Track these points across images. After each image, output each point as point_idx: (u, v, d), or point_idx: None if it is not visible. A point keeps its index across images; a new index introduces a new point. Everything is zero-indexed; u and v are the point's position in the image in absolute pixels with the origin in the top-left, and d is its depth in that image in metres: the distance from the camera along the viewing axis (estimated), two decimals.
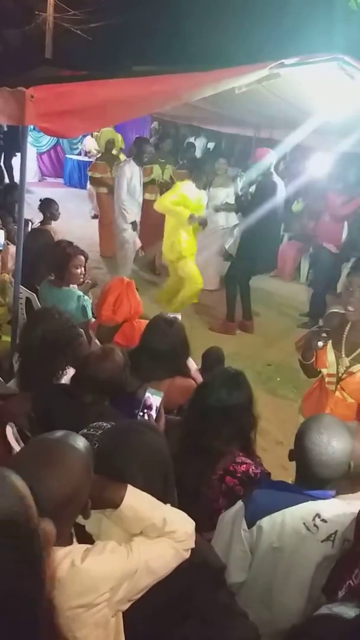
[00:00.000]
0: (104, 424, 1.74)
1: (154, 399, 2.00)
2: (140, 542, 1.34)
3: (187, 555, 1.40)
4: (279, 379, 5.00)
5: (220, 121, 7.87)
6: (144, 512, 1.35)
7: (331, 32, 7.24)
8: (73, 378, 2.27)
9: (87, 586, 1.20)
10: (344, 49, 3.79)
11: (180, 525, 1.40)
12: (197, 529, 1.81)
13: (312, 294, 6.52)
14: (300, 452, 1.74)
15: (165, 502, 1.45)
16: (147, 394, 1.99)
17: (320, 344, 2.53)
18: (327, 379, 2.69)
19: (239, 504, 1.79)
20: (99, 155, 8.72)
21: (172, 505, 1.51)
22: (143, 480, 1.40)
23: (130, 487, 1.37)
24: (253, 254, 5.65)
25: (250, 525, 1.72)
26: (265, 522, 1.71)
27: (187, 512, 1.78)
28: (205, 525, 1.86)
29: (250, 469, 2.02)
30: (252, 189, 5.72)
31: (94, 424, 1.75)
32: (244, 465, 2.03)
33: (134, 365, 2.51)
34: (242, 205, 5.85)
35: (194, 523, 1.43)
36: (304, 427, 1.77)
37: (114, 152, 8.32)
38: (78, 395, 2.18)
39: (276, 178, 5.65)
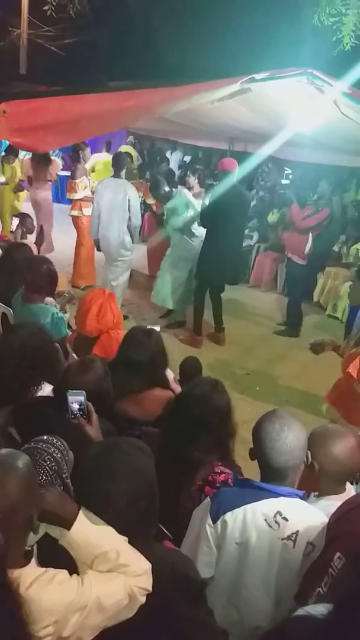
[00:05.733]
0: (54, 439, 1.71)
1: (76, 399, 1.97)
2: (93, 576, 1.27)
3: (142, 599, 1.31)
4: (258, 387, 5.03)
5: (195, 135, 7.98)
6: (96, 539, 1.29)
7: (300, 48, 7.43)
8: (55, 391, 2.25)
9: (29, 616, 1.13)
10: (312, 63, 3.90)
11: (135, 560, 1.32)
12: (177, 541, 1.81)
13: (287, 303, 6.60)
14: (256, 445, 1.80)
15: (147, 523, 1.44)
16: (68, 397, 1.95)
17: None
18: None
19: (207, 500, 1.83)
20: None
21: (154, 524, 1.49)
22: (126, 502, 1.37)
23: (83, 512, 1.32)
24: (211, 266, 5.53)
25: (214, 520, 1.76)
26: (228, 517, 1.75)
27: (167, 524, 1.78)
28: (184, 537, 1.86)
29: (229, 479, 2.02)
30: (210, 201, 5.51)
31: (45, 438, 1.71)
32: (223, 475, 2.04)
33: (112, 377, 2.50)
34: (201, 217, 5.60)
35: (149, 564, 1.34)
36: (259, 421, 1.84)
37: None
38: (59, 407, 2.15)
39: (239, 190, 5.56)
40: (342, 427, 2.17)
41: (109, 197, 5.78)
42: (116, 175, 5.93)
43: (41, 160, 7.43)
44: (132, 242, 6.00)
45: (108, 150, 9.59)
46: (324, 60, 4.81)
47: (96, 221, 5.93)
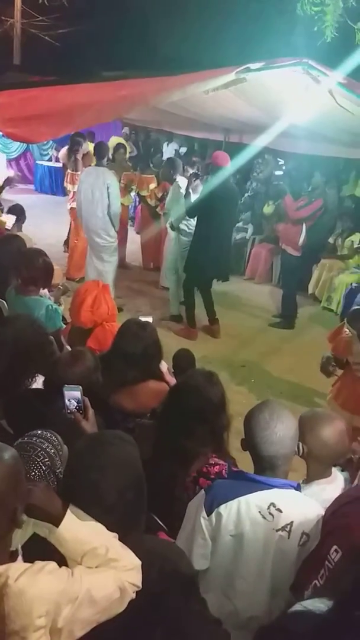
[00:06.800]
0: (48, 434, 1.69)
1: (73, 394, 1.96)
2: (83, 569, 1.26)
3: (133, 595, 1.29)
4: (253, 380, 5.04)
5: (191, 126, 7.93)
6: (85, 535, 1.29)
7: (286, 38, 7.39)
8: (45, 383, 2.23)
9: (20, 607, 1.13)
10: (306, 53, 3.87)
11: (125, 555, 1.31)
12: (172, 533, 1.81)
13: (282, 295, 6.60)
14: (247, 435, 1.81)
15: (137, 514, 1.43)
16: (65, 392, 1.95)
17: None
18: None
19: (201, 492, 1.83)
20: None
21: (143, 515, 1.49)
22: (116, 494, 1.37)
23: (71, 509, 1.31)
24: (199, 262, 5.53)
25: (209, 512, 1.76)
26: (222, 509, 1.75)
27: (162, 516, 1.78)
28: (179, 529, 1.86)
29: (224, 470, 2.03)
30: (197, 195, 5.53)
31: (39, 432, 1.69)
32: (217, 467, 2.04)
33: (107, 369, 2.50)
34: (190, 209, 5.56)
35: (139, 561, 1.34)
36: (250, 411, 1.85)
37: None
38: (51, 400, 2.15)
39: (229, 185, 5.55)
40: (331, 412, 2.19)
41: (89, 185, 5.84)
42: (98, 163, 6.04)
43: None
44: (114, 229, 6.01)
45: (92, 140, 9.56)
46: (309, 51, 4.78)
47: (79, 207, 6.03)
